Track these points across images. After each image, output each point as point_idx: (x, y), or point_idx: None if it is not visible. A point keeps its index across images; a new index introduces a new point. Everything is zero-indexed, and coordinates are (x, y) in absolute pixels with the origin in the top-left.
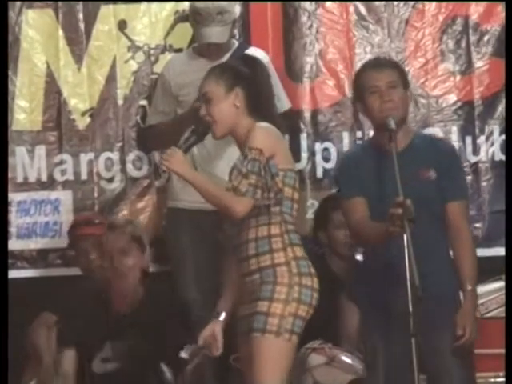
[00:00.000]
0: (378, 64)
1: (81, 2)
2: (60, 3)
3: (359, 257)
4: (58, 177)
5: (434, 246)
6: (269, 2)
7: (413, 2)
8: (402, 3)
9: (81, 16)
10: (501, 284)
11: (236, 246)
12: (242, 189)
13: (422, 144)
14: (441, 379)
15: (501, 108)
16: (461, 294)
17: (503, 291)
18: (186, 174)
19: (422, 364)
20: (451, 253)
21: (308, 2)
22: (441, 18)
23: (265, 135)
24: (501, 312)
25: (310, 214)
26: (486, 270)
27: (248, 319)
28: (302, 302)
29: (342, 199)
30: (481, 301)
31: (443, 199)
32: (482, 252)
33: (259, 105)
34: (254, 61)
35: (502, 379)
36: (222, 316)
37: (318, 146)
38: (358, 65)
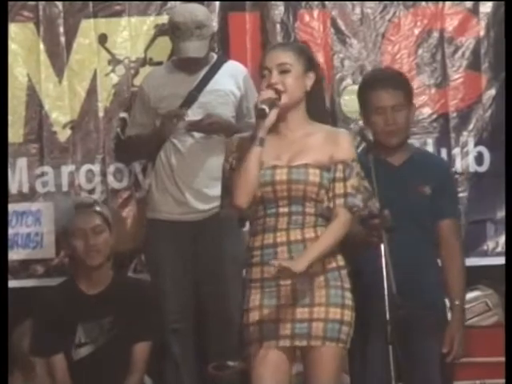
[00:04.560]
0: (386, 83)
1: (62, 16)
2: (41, 17)
3: None
4: (39, 188)
5: (424, 258)
6: (247, 14)
7: (389, 16)
8: (378, 17)
9: (62, 30)
10: (477, 294)
11: (285, 243)
12: (360, 204)
13: (421, 160)
14: None
15: (475, 120)
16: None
17: (479, 300)
18: (309, 259)
19: (402, 372)
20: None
21: (285, 16)
22: (416, 31)
23: (353, 144)
24: (477, 321)
25: None
26: None
27: (300, 325)
28: None
29: None
30: None
31: (436, 215)
32: None
33: (318, 98)
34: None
35: None
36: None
37: None
38: (337, 77)
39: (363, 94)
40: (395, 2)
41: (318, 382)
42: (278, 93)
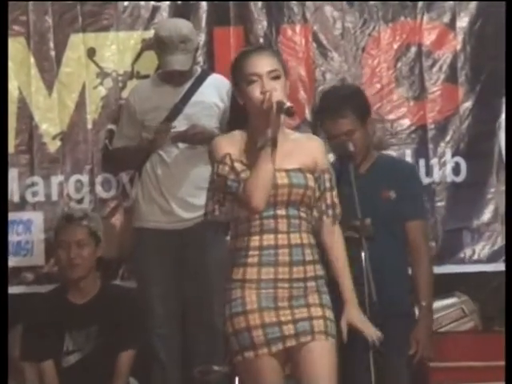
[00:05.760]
0: (334, 112)
1: (52, 31)
2: (32, 32)
3: None
4: (29, 198)
5: (392, 263)
6: (231, 28)
7: (369, 31)
8: (358, 31)
9: (52, 44)
10: (453, 300)
11: (286, 246)
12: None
13: (385, 165)
14: None
15: (452, 131)
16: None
17: (455, 307)
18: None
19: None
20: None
21: (268, 30)
22: (395, 45)
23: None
24: (453, 327)
25: None
26: (438, 286)
27: (302, 323)
28: None
29: None
30: (434, 316)
31: (403, 219)
32: (435, 270)
33: None
34: None
35: None
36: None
37: None
38: (318, 90)
39: (318, 121)
40: (375, 17)
41: (323, 374)
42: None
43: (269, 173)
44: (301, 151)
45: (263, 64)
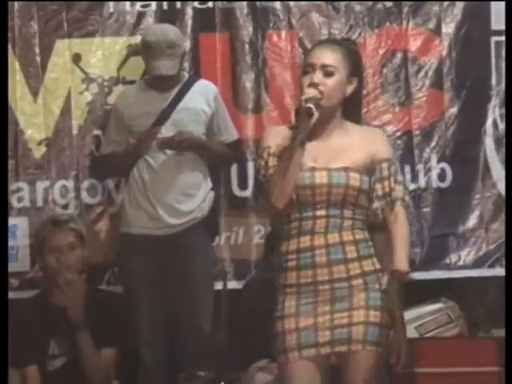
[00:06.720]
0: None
1: (37, 36)
2: (17, 37)
3: None
4: (14, 204)
5: None
6: (217, 34)
7: (354, 37)
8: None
9: (37, 50)
10: (439, 306)
11: (322, 246)
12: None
13: None
14: None
15: (437, 137)
16: None
17: (441, 312)
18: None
19: None
20: None
21: (254, 36)
22: (381, 51)
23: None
24: (439, 332)
25: (256, 239)
26: (424, 292)
27: (339, 330)
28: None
29: None
30: (420, 322)
31: None
32: (421, 275)
33: (356, 103)
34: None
35: None
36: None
37: None
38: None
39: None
40: (361, 23)
41: None
42: (321, 93)
43: (292, 174)
44: (355, 147)
45: (321, 56)
